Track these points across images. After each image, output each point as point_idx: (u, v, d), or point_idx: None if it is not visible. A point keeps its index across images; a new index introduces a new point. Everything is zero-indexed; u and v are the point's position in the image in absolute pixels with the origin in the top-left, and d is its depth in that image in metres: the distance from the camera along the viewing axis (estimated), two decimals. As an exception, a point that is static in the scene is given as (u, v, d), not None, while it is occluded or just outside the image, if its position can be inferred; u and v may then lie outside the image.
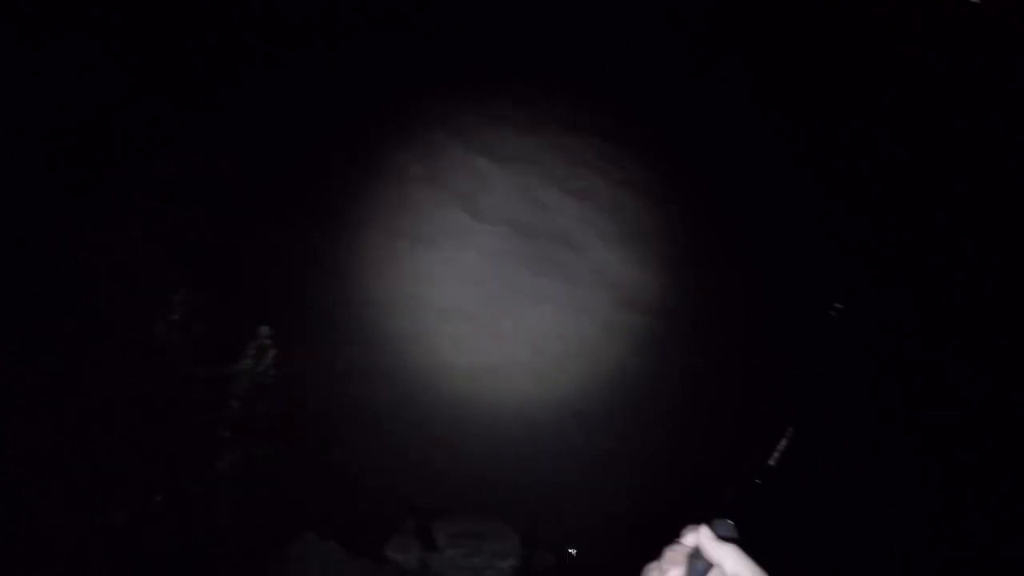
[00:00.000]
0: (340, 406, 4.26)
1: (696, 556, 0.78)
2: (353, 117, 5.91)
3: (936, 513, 4.37)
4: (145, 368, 3.28)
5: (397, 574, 3.77)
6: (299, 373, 3.90)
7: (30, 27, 4.78)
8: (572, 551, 4.14)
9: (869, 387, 5.01)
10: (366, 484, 4.11)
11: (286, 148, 5.48)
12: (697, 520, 0.78)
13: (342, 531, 3.79)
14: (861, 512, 4.39)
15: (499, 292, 5.23)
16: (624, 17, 7.28)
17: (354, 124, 5.88)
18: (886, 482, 4.55)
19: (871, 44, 7.48)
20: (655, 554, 0.78)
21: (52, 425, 2.96)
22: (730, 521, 0.79)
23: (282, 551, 3.55)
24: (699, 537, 0.77)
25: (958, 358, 5.25)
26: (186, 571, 3.19)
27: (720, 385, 5.03)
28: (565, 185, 6.01)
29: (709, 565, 0.77)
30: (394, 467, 4.21)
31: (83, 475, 3.00)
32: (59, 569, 2.75)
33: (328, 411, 4.21)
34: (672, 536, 0.79)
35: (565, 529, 4.15)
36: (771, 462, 0.88)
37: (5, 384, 2.92)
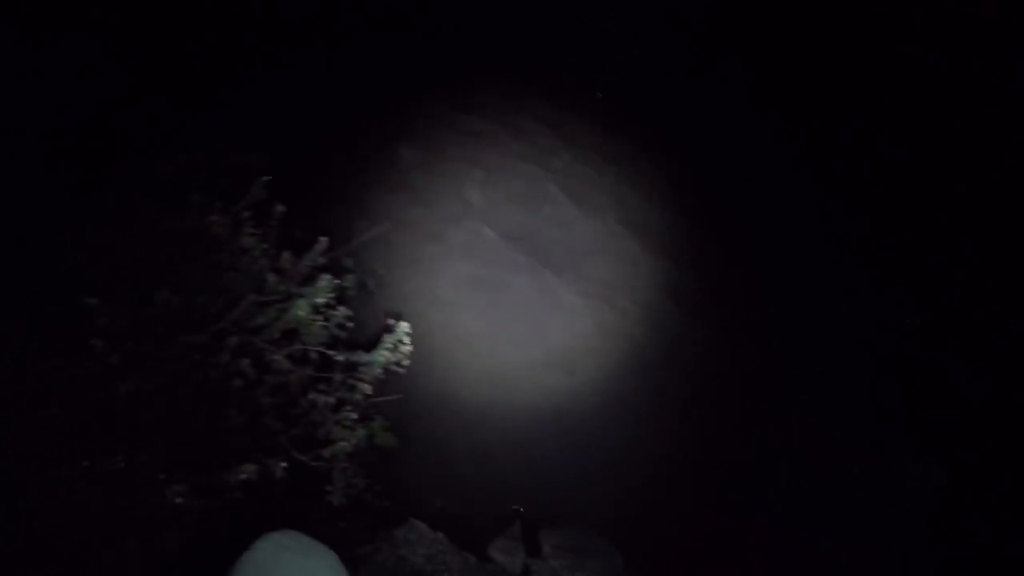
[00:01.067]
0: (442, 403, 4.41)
1: None
2: (353, 117, 5.91)
3: (936, 513, 4.37)
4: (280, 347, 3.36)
5: (499, 574, 3.84)
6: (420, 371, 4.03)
7: (30, 27, 4.78)
8: (519, 508, 4.20)
9: (869, 387, 5.02)
10: (477, 481, 4.22)
11: (286, 148, 5.47)
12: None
13: (450, 524, 3.92)
14: (861, 512, 4.39)
15: (498, 292, 5.23)
16: (624, 17, 7.28)
17: (354, 124, 5.87)
18: (886, 482, 4.55)
19: (871, 44, 7.47)
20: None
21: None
22: None
23: (391, 533, 3.64)
24: None
25: (958, 358, 5.26)
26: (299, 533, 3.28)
27: (720, 385, 5.04)
28: (565, 185, 6.01)
29: None
30: (508, 466, 4.32)
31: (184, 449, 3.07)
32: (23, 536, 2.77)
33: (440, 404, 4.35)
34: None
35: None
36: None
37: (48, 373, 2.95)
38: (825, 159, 6.55)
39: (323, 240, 3.66)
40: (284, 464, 3.25)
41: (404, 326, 3.67)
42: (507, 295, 5.23)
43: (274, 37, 5.99)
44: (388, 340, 3.65)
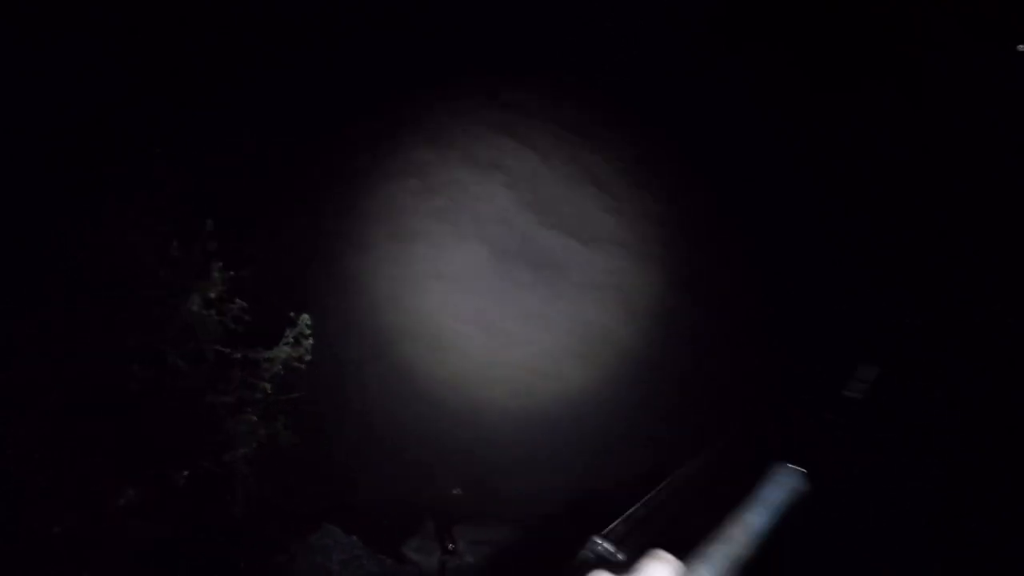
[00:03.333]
0: (357, 399, 4.31)
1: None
2: (353, 117, 5.90)
3: (936, 513, 4.36)
4: (176, 346, 3.25)
5: (416, 575, 3.80)
6: (321, 365, 3.94)
7: (30, 27, 4.77)
8: (457, 490, 4.14)
9: (869, 387, 5.01)
10: (387, 482, 4.15)
11: (285, 148, 5.47)
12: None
13: (364, 528, 3.83)
14: (861, 512, 4.39)
15: (498, 292, 5.22)
16: (624, 17, 7.27)
17: (354, 124, 5.87)
18: (886, 482, 4.54)
19: (871, 44, 7.47)
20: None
21: (65, 411, 2.94)
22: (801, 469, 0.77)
23: (304, 540, 3.59)
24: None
25: (958, 358, 5.25)
26: (205, 555, 3.20)
27: (720, 385, 5.03)
28: (565, 185, 6.01)
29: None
30: (405, 467, 4.25)
31: (95, 460, 2.99)
32: (74, 554, 2.74)
33: (349, 403, 4.25)
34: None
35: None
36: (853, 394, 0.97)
37: (21, 378, 2.90)
38: (825, 159, 6.54)
39: (208, 223, 3.39)
40: (186, 473, 3.06)
41: (305, 318, 3.52)
42: (500, 299, 5.23)
43: (274, 37, 5.99)
44: (289, 334, 3.50)
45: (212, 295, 3.32)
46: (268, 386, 3.45)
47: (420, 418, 4.46)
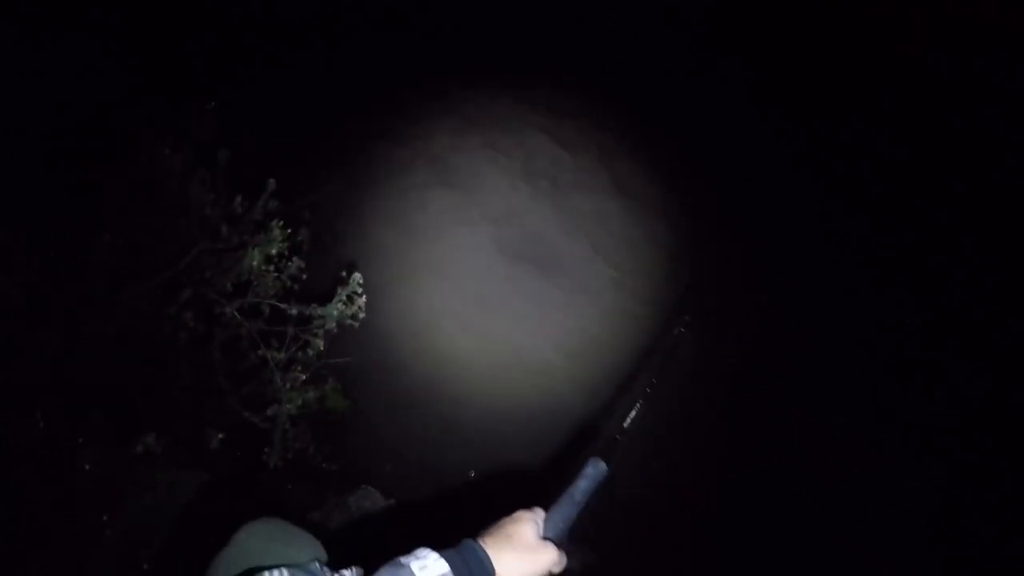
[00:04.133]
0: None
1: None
2: (353, 117, 5.91)
3: (936, 513, 4.36)
4: (231, 300, 3.25)
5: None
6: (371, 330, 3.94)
7: (30, 27, 4.77)
8: (472, 472, 4.15)
9: (869, 387, 5.01)
10: (427, 451, 4.18)
11: (285, 147, 5.48)
12: None
13: (402, 493, 3.83)
14: (861, 512, 4.39)
15: (498, 292, 5.23)
16: (624, 17, 7.28)
17: (353, 124, 5.88)
18: (886, 482, 4.55)
19: (871, 44, 7.47)
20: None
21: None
22: (601, 461, 1.18)
23: (343, 499, 3.58)
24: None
25: (958, 358, 5.25)
26: (236, 504, 3.22)
27: (720, 385, 5.03)
28: (564, 185, 6.01)
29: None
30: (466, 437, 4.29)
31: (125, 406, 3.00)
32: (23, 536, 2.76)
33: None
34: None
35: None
36: (626, 424, 1.25)
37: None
38: (825, 159, 6.55)
39: (271, 183, 3.43)
40: (220, 435, 3.09)
41: (357, 277, 3.46)
42: (499, 299, 5.24)
43: (274, 38, 6.00)
44: (342, 292, 3.44)
45: (272, 252, 3.31)
46: (321, 343, 3.42)
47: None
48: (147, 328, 3.07)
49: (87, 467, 2.83)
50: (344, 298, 3.44)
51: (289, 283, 3.45)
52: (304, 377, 3.39)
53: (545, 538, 1.09)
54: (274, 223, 3.35)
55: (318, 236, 4.10)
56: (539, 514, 1.13)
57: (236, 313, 3.28)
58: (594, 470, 1.17)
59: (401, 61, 6.44)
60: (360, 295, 3.48)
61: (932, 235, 6.05)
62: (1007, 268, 5.81)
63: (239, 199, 3.36)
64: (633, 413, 1.27)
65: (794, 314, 5.42)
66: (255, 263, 3.27)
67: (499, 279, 5.27)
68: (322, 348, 3.45)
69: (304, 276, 3.46)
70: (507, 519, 1.11)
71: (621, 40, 7.12)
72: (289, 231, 3.44)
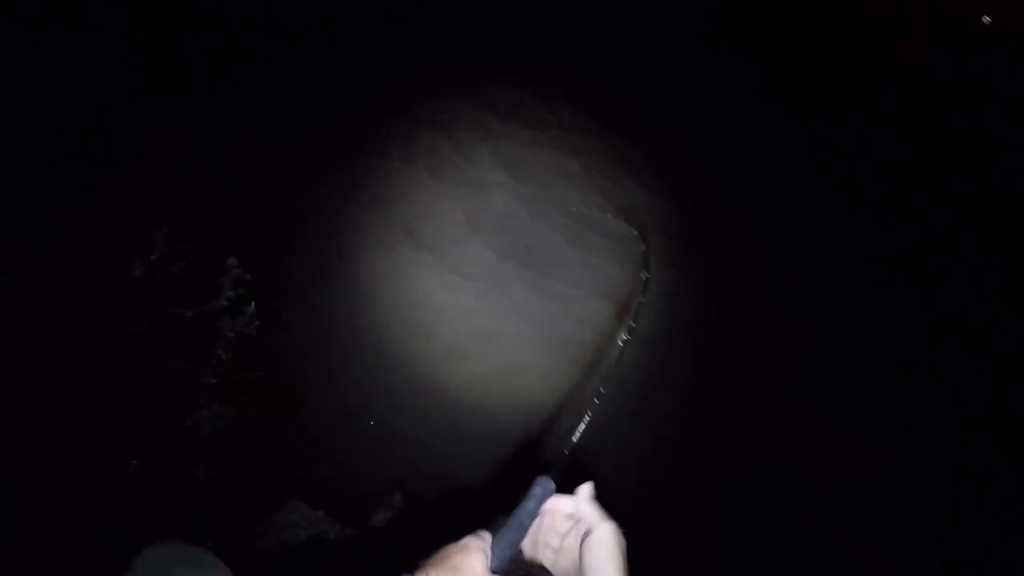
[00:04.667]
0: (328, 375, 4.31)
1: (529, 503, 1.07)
2: (353, 117, 5.91)
3: (936, 513, 4.37)
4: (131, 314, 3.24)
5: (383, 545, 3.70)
6: (284, 339, 3.93)
7: (30, 27, 4.78)
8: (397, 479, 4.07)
9: (869, 387, 5.02)
10: (354, 456, 4.10)
11: (285, 145, 5.48)
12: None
13: (331, 503, 3.76)
14: (861, 512, 4.39)
15: (497, 292, 5.23)
16: (624, 17, 7.28)
17: (354, 124, 5.88)
18: (886, 482, 4.55)
19: (871, 44, 7.48)
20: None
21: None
22: (549, 480, 1.08)
23: (269, 517, 3.52)
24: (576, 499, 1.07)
25: (958, 358, 5.25)
26: (168, 534, 3.16)
27: (719, 386, 5.03)
28: (564, 185, 6.01)
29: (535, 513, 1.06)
30: (380, 447, 4.23)
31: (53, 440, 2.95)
32: (22, 536, 2.73)
33: (315, 377, 4.25)
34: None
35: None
36: (575, 438, 1.18)
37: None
38: (825, 159, 6.55)
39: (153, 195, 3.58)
40: (135, 462, 3.04)
41: (233, 260, 3.48)
42: (499, 298, 5.23)
43: (274, 37, 6.00)
44: (226, 282, 3.47)
45: (153, 258, 3.33)
46: (223, 354, 3.41)
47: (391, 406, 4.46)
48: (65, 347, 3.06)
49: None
50: (229, 286, 3.44)
51: (178, 286, 3.45)
52: (213, 381, 3.40)
53: (492, 571, 0.99)
54: (155, 235, 3.38)
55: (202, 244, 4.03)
56: (486, 540, 1.02)
57: (137, 326, 3.28)
58: (542, 490, 1.07)
59: (401, 61, 6.44)
60: (244, 282, 3.48)
61: (932, 235, 6.05)
62: (1007, 268, 5.81)
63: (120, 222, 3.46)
64: (582, 427, 1.18)
65: (794, 314, 5.42)
66: (139, 272, 3.31)
67: (485, 280, 5.26)
68: (223, 356, 3.44)
69: (191, 274, 3.47)
70: (453, 547, 0.99)
71: (621, 40, 7.12)
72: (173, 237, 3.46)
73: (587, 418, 1.19)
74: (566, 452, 1.14)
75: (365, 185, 5.60)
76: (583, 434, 1.17)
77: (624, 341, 1.40)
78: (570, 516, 1.06)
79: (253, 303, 3.53)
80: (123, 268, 3.30)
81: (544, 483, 1.08)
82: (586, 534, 1.02)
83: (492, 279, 5.29)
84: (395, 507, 3.90)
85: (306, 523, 3.56)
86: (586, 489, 1.06)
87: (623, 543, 1.03)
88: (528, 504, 1.05)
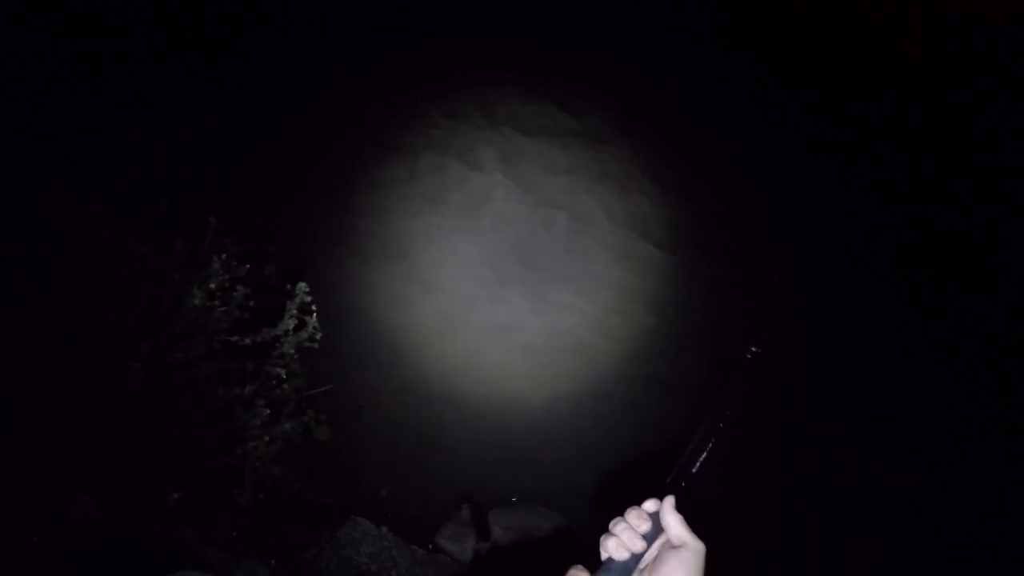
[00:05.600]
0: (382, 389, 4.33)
1: (654, 519, 0.99)
2: (355, 114, 5.91)
3: (936, 513, 4.36)
4: (183, 343, 3.18)
5: (449, 564, 3.67)
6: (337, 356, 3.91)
7: (30, 27, 4.78)
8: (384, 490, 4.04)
9: (869, 387, 5.01)
10: (417, 471, 4.11)
11: (285, 142, 5.49)
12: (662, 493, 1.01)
13: (394, 518, 3.75)
14: (861, 512, 4.39)
15: (497, 291, 5.23)
16: (624, 17, 7.28)
17: (356, 121, 5.88)
18: (885, 482, 4.54)
19: (871, 44, 7.48)
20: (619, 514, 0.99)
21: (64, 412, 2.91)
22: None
23: (332, 534, 3.50)
24: (660, 505, 1.00)
25: (958, 358, 5.25)
26: (235, 550, 3.15)
27: (720, 385, 5.03)
28: (564, 185, 6.01)
29: (659, 530, 0.98)
30: (447, 456, 4.24)
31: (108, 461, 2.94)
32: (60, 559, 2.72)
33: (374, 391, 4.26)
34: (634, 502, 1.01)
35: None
36: (695, 470, 1.07)
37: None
38: (825, 159, 6.55)
39: (212, 221, 3.27)
40: (177, 496, 2.91)
41: (302, 286, 3.30)
42: (499, 298, 5.23)
43: (274, 36, 6.01)
44: (291, 307, 3.28)
45: (212, 286, 3.19)
46: (283, 372, 3.30)
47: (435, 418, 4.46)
48: (101, 389, 2.94)
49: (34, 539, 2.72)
50: (294, 311, 3.30)
51: (238, 314, 3.29)
52: (268, 412, 3.24)
53: None
54: (214, 258, 3.22)
55: (263, 263, 3.89)
56: None
57: (187, 356, 3.15)
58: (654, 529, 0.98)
59: (399, 63, 6.44)
60: (311, 307, 3.34)
61: (932, 235, 6.05)
62: (1007, 268, 5.81)
63: (179, 242, 3.22)
64: (703, 456, 1.07)
65: (793, 314, 5.42)
66: (197, 301, 3.15)
67: (493, 287, 5.26)
68: (283, 376, 3.32)
69: (251, 303, 3.31)
70: None
71: (621, 40, 7.12)
72: (232, 262, 3.28)
73: (709, 448, 1.10)
74: (683, 485, 1.05)
75: (366, 182, 5.60)
76: (702, 466, 1.07)
77: (753, 354, 1.28)
78: (654, 515, 1.01)
79: (314, 314, 3.36)
80: (181, 296, 3.21)
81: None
82: (672, 544, 0.98)
83: (494, 279, 5.29)
84: (463, 522, 3.87)
85: (369, 540, 3.51)
86: (670, 499, 1.01)
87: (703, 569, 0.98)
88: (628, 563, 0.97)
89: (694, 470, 1.07)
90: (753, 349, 1.28)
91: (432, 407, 4.47)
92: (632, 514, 1.00)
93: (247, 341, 3.24)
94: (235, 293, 3.25)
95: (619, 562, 0.95)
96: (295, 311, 3.30)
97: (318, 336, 3.38)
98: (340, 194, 5.43)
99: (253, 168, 5.21)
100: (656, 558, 0.97)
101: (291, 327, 3.31)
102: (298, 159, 5.50)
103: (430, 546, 3.76)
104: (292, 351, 3.34)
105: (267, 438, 3.20)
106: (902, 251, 5.95)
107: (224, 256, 3.21)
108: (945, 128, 6.75)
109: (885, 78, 7.28)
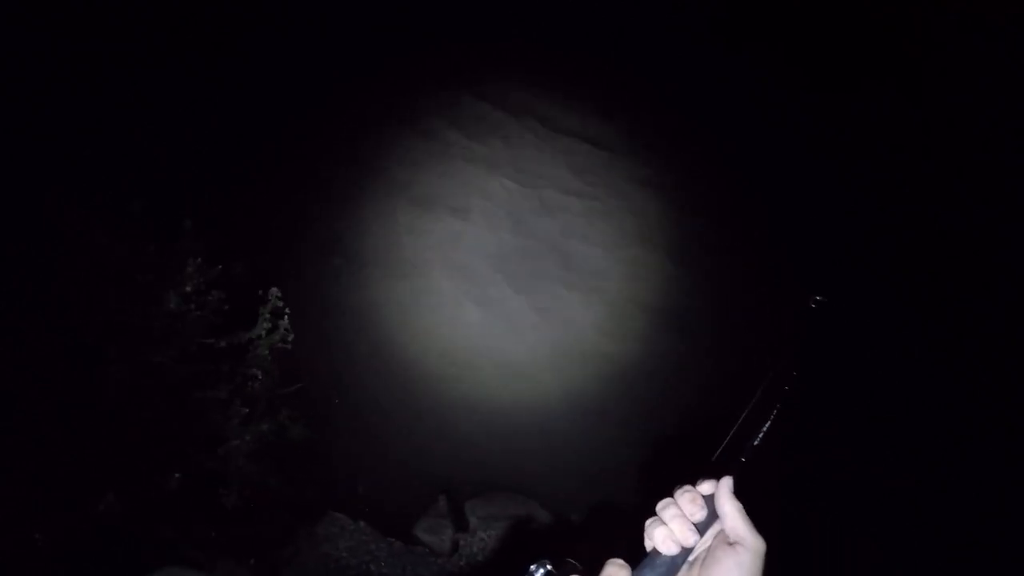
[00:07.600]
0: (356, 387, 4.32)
1: (708, 503, 0.82)
2: (357, 112, 5.91)
3: (936, 513, 4.36)
4: (159, 347, 3.18)
5: (427, 556, 3.68)
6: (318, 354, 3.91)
7: (30, 27, 4.77)
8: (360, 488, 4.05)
9: (868, 387, 5.01)
10: (394, 466, 4.11)
11: (286, 142, 5.48)
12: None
13: (372, 513, 3.77)
14: (861, 512, 4.39)
15: (497, 290, 5.23)
16: (625, 17, 7.28)
17: (358, 119, 5.88)
18: (885, 482, 4.54)
19: (871, 44, 7.47)
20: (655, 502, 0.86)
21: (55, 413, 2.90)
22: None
23: (310, 530, 3.51)
24: (716, 487, 0.83)
25: (958, 358, 5.25)
26: (214, 549, 3.16)
27: (719, 386, 5.03)
28: (564, 185, 6.01)
29: (714, 516, 0.82)
30: (422, 450, 4.23)
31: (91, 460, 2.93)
32: (61, 557, 2.72)
33: (351, 388, 4.25)
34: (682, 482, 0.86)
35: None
36: (756, 442, 0.90)
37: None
38: (825, 159, 6.55)
39: (187, 223, 3.28)
40: (177, 475, 2.95)
41: (275, 291, 3.34)
42: (498, 296, 5.23)
43: (274, 37, 6.00)
44: (264, 311, 3.32)
45: (188, 289, 3.20)
46: (258, 373, 3.33)
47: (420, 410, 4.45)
48: (75, 393, 2.94)
49: (37, 537, 2.72)
50: (267, 316, 3.33)
51: (213, 318, 3.31)
52: (246, 410, 3.27)
53: None
54: (189, 261, 3.22)
55: (243, 261, 3.82)
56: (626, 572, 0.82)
57: (164, 359, 3.16)
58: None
59: (401, 64, 6.44)
60: (283, 310, 3.37)
61: (932, 235, 6.05)
62: (1007, 268, 5.81)
63: (152, 246, 3.23)
64: (767, 425, 0.90)
65: (794, 314, 5.42)
66: (172, 304, 3.16)
67: (491, 286, 5.26)
68: (259, 376, 3.35)
69: (226, 307, 3.32)
70: None
71: (622, 40, 7.12)
72: (207, 266, 3.29)
73: (774, 414, 0.93)
74: (743, 460, 0.89)
75: (366, 181, 5.60)
76: (766, 436, 0.91)
77: (819, 302, 1.10)
78: (708, 499, 0.85)
79: (287, 317, 3.41)
80: (156, 300, 3.21)
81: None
82: (727, 539, 0.81)
83: (497, 281, 5.29)
84: (440, 514, 3.88)
85: (347, 535, 3.55)
86: (727, 482, 0.84)
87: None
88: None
89: (756, 443, 0.89)
90: (817, 298, 1.10)
91: (408, 403, 4.48)
92: (686, 497, 0.83)
93: (222, 344, 3.27)
94: (209, 297, 3.28)
95: (667, 557, 0.80)
96: (267, 315, 3.35)
97: (290, 338, 3.43)
98: (338, 193, 5.43)
99: (253, 168, 5.21)
100: (708, 554, 0.80)
101: (264, 332, 3.35)
102: (298, 159, 5.50)
103: (410, 538, 3.78)
104: (266, 352, 3.38)
105: (247, 437, 3.23)
106: (902, 251, 5.95)
107: (199, 261, 3.22)
108: (945, 128, 6.74)
109: (885, 78, 7.27)
